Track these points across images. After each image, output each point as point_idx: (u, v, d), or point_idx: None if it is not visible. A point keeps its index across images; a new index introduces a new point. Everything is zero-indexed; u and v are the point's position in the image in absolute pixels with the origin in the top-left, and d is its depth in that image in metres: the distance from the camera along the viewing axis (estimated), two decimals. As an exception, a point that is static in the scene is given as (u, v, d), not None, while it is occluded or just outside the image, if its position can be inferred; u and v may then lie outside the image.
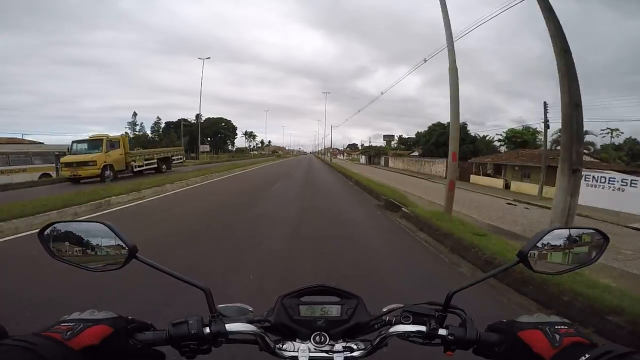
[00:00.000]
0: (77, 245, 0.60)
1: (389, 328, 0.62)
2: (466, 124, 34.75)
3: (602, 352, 0.46)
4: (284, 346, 0.62)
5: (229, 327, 0.58)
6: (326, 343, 0.62)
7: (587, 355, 0.46)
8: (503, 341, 0.58)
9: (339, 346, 0.62)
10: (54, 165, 20.37)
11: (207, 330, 0.57)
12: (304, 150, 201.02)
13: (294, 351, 0.61)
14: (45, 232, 0.60)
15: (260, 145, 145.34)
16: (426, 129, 36.10)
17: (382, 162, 43.27)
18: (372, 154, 48.17)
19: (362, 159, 55.51)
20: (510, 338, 0.57)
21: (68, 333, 0.49)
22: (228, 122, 75.33)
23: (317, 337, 0.62)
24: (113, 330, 0.52)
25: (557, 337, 0.53)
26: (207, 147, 55.40)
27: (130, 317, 0.57)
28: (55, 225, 0.61)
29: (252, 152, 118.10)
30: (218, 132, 71.48)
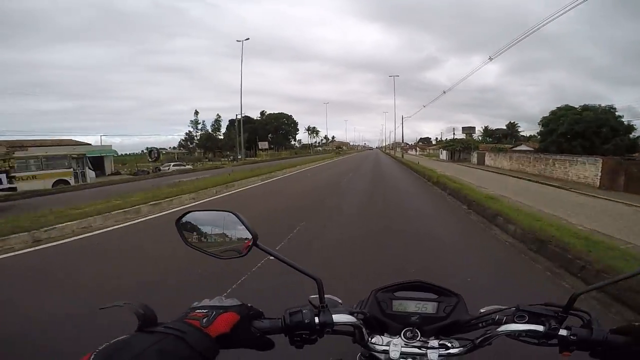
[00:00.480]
0: (207, 233, 0.65)
1: (497, 327, 0.60)
2: (614, 107, 23.48)
3: None
4: (373, 340, 0.63)
5: (335, 317, 0.60)
6: (417, 339, 0.62)
7: None
8: (633, 343, 0.54)
9: (434, 342, 0.61)
10: (71, 170, 18.04)
11: (317, 320, 0.59)
12: (370, 146, 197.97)
13: (383, 345, 0.61)
14: (181, 221, 0.66)
15: (324, 141, 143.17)
16: (548, 114, 25.61)
17: (475, 159, 33.32)
18: (459, 149, 38.01)
19: (443, 154, 45.70)
20: None
21: (204, 320, 0.51)
22: (289, 118, 72.45)
23: (408, 332, 0.63)
24: (240, 317, 0.55)
25: None
26: (265, 144, 52.89)
27: (249, 305, 0.59)
28: (190, 214, 0.66)
29: (316, 148, 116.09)
30: (279, 128, 69.03)
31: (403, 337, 0.62)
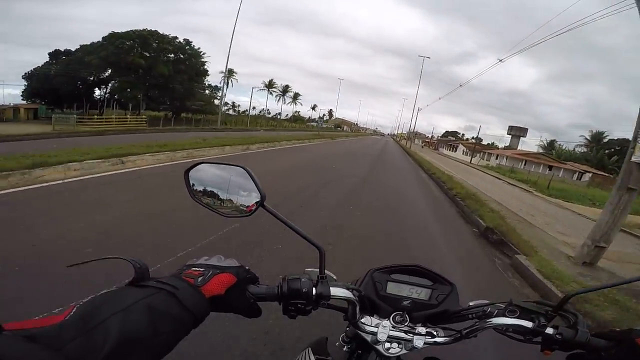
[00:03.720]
0: (216, 187, 0.62)
1: (487, 320, 0.61)
2: None
3: None
4: (363, 320, 0.63)
5: (333, 290, 0.58)
6: (405, 324, 0.62)
7: None
8: (613, 347, 0.56)
9: (422, 329, 0.62)
10: None
11: (314, 291, 0.56)
12: (381, 132, 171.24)
13: (372, 326, 0.62)
14: (190, 172, 0.62)
15: (322, 116, 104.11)
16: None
17: None
18: None
19: None
20: (625, 344, 0.54)
21: (200, 279, 0.48)
22: (168, 42, 29.35)
23: (398, 316, 0.63)
24: (237, 279, 0.52)
25: None
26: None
27: (247, 267, 0.57)
28: (200, 166, 0.62)
29: (310, 123, 78.79)
30: (133, 65, 26.55)
31: (392, 321, 0.62)
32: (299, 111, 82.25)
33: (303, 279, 0.56)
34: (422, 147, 71.26)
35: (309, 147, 18.33)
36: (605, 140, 43.68)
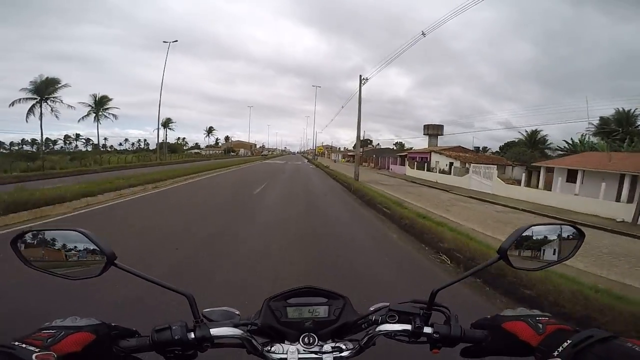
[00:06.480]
0: (53, 253, 0.58)
1: (376, 327, 0.62)
2: None
3: (585, 336, 0.47)
4: (273, 349, 0.61)
5: (214, 331, 0.57)
6: (315, 344, 0.61)
7: (569, 341, 0.47)
8: (488, 335, 0.58)
9: (327, 347, 0.62)
10: None
11: (192, 335, 0.56)
12: (291, 150, 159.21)
13: (282, 353, 0.60)
14: (19, 241, 0.57)
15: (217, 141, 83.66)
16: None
17: None
18: None
19: None
20: (496, 331, 0.57)
21: (49, 340, 0.47)
22: None
23: (306, 338, 0.62)
24: (95, 337, 0.51)
25: (540, 325, 0.54)
26: None
27: (113, 324, 0.56)
28: (28, 233, 0.58)
29: (189, 151, 59.97)
30: None
31: (302, 343, 0.61)
32: (184, 137, 65.89)
33: (174, 327, 0.55)
34: (335, 162, 58.67)
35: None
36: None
